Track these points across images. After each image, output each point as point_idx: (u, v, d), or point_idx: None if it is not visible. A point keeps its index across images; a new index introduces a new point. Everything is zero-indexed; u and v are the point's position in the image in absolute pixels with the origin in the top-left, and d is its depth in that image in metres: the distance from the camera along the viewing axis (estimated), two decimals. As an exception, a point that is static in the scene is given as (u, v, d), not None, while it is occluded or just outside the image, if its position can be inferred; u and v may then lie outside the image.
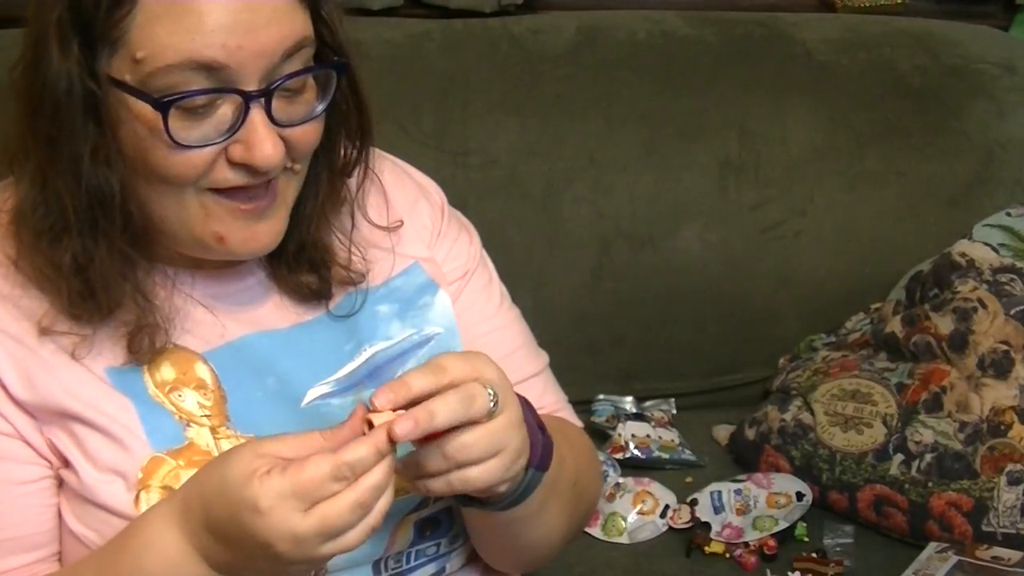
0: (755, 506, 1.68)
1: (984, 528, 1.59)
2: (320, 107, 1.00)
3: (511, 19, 2.07)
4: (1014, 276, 1.72)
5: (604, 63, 1.97)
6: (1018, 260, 1.75)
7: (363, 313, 1.12)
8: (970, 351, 1.68)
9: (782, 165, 1.96)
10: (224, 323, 1.07)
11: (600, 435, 1.86)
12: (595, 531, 1.69)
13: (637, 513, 1.71)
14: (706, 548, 1.64)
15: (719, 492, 1.71)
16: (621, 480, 1.76)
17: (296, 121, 0.99)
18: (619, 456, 1.81)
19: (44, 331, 1.00)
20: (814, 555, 1.61)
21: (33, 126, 0.96)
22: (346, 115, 1.06)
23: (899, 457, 1.66)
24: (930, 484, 1.63)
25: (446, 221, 1.22)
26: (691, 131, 1.95)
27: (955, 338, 1.69)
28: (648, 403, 1.96)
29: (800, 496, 1.69)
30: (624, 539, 1.69)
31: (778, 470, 1.75)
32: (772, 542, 1.63)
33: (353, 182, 1.11)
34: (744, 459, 1.81)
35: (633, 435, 1.83)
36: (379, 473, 0.88)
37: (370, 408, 0.90)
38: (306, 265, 1.10)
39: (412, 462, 0.95)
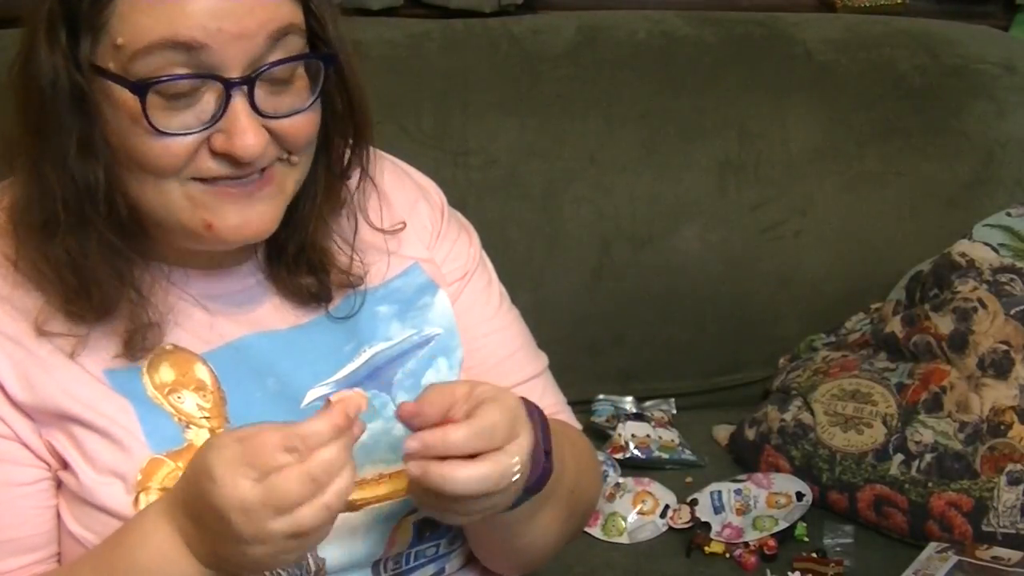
0: (755, 506, 1.68)
1: (984, 528, 1.59)
2: (309, 100, 0.99)
3: (511, 19, 2.07)
4: (1014, 276, 1.72)
5: (604, 63, 1.97)
6: (1018, 260, 1.75)
7: (363, 314, 1.12)
8: (970, 351, 1.68)
9: (782, 165, 1.96)
10: (223, 324, 1.07)
11: (600, 435, 1.86)
12: (595, 531, 1.69)
13: (637, 513, 1.71)
14: (706, 548, 1.64)
15: (719, 492, 1.71)
16: (621, 480, 1.76)
17: (284, 113, 0.97)
18: (619, 456, 1.81)
19: (41, 330, 1.00)
20: (814, 555, 1.61)
21: (25, 120, 0.96)
22: (340, 114, 1.05)
23: (899, 457, 1.66)
24: (930, 484, 1.63)
25: (446, 222, 1.22)
26: (691, 131, 1.96)
27: (955, 338, 1.69)
28: (648, 403, 1.96)
29: (800, 496, 1.69)
30: (624, 539, 1.69)
31: (778, 470, 1.75)
32: (772, 542, 1.63)
33: (353, 184, 1.11)
34: (744, 459, 1.81)
35: (633, 435, 1.83)
36: (334, 449, 0.87)
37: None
38: (305, 268, 1.09)
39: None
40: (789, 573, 1.58)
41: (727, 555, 1.63)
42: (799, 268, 1.96)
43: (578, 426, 1.28)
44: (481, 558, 1.17)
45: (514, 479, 0.93)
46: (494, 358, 1.20)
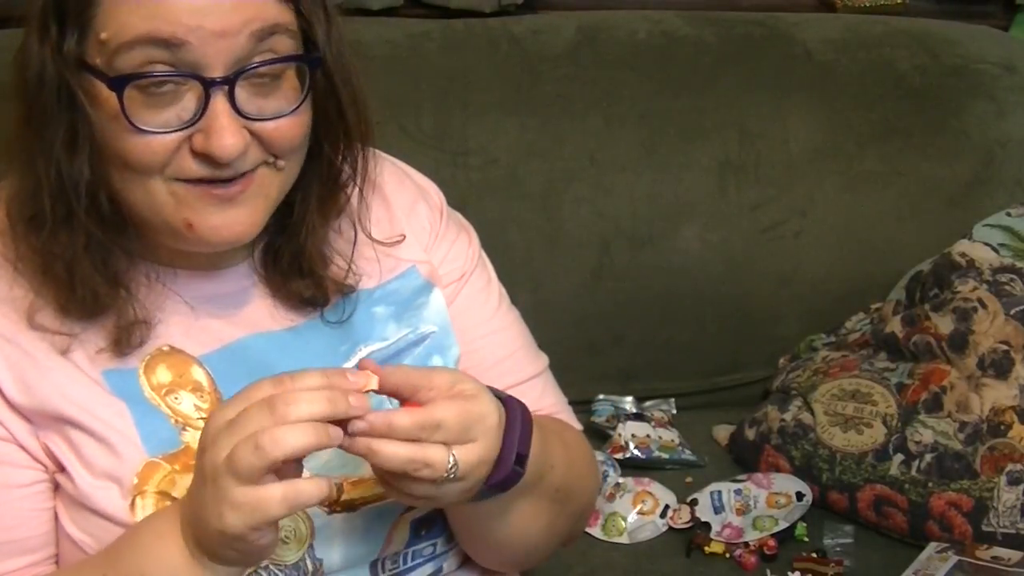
0: (755, 506, 1.68)
1: (984, 528, 1.59)
2: (296, 103, 0.98)
3: (511, 19, 2.07)
4: (1014, 276, 1.72)
5: (604, 63, 1.97)
6: (1018, 260, 1.75)
7: (359, 315, 1.12)
8: (970, 351, 1.67)
9: (782, 165, 1.96)
10: (217, 326, 1.07)
11: (600, 435, 1.86)
12: (595, 531, 1.69)
13: (637, 513, 1.71)
14: (706, 548, 1.64)
15: (719, 492, 1.71)
16: (621, 480, 1.76)
17: (268, 115, 0.96)
18: (619, 456, 1.81)
19: (33, 323, 1.00)
20: (814, 555, 1.61)
21: (18, 116, 0.97)
22: (331, 120, 1.03)
23: (899, 457, 1.66)
24: (930, 484, 1.63)
25: (444, 223, 1.22)
26: (691, 131, 1.95)
27: (955, 338, 1.69)
28: (648, 403, 1.96)
29: (800, 496, 1.69)
30: (624, 539, 1.69)
31: (778, 470, 1.75)
32: (772, 542, 1.63)
33: (351, 191, 1.10)
34: (744, 459, 1.81)
35: (633, 435, 1.83)
36: (308, 389, 0.88)
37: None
38: (299, 273, 1.09)
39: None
40: (789, 573, 1.58)
41: (727, 555, 1.63)
42: (799, 268, 1.96)
43: (578, 426, 1.27)
44: (468, 552, 1.17)
45: (449, 475, 0.93)
46: (493, 358, 1.20)
